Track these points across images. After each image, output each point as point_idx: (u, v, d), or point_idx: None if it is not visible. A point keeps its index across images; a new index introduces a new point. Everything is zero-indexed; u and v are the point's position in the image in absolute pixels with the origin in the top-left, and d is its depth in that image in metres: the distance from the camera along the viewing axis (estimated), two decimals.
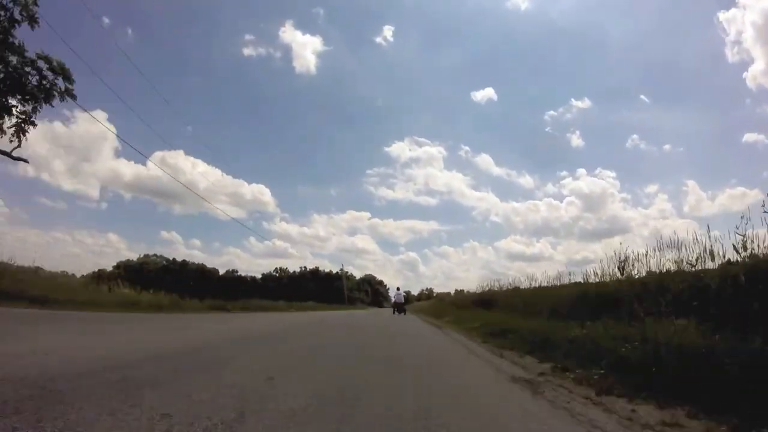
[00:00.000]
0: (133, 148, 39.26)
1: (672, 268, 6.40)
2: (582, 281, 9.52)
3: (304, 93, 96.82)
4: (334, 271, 68.50)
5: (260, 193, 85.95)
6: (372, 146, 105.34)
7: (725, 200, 74.18)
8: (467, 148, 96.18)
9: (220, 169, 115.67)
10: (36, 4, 10.05)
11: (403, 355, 6.17)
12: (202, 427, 2.22)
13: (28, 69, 10.26)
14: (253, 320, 12.87)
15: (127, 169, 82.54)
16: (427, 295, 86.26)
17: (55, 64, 10.47)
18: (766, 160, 71.95)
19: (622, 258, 7.75)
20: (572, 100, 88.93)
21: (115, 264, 78.49)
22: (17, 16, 9.92)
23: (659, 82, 78.94)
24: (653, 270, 6.91)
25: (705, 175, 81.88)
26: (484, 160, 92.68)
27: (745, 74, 72.98)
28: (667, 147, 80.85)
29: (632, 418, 3.04)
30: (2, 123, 10.26)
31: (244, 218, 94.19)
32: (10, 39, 9.93)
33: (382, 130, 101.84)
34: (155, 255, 77.35)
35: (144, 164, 68.96)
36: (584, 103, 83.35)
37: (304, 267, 72.60)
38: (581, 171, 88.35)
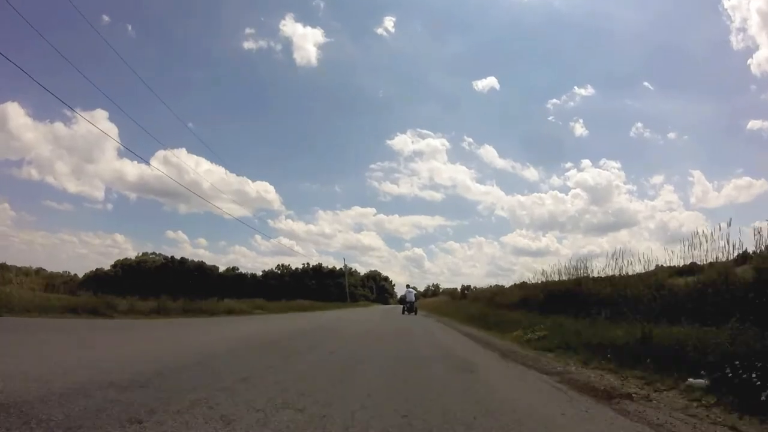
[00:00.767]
0: (133, 152, 36.78)
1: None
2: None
3: (305, 86, 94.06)
4: (338, 267, 66.24)
5: (265, 190, 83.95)
6: (374, 139, 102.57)
7: (731, 191, 73.21)
8: (470, 139, 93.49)
9: (224, 166, 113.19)
10: None
11: None
12: None
13: None
14: (156, 338, 7.59)
15: (131, 169, 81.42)
16: (433, 292, 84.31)
17: None
18: None
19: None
20: (575, 87, 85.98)
21: (113, 263, 76.98)
22: None
23: (663, 69, 77.08)
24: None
25: (710, 164, 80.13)
26: (488, 152, 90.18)
27: (749, 61, 72.80)
28: (671, 135, 78.78)
29: None
30: None
31: (249, 216, 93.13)
32: None
33: (385, 123, 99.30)
34: (153, 253, 75.31)
35: (147, 164, 67.68)
36: (587, 91, 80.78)
37: (307, 264, 70.33)
38: (586, 162, 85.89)
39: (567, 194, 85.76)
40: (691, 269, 8.40)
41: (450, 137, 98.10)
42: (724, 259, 7.47)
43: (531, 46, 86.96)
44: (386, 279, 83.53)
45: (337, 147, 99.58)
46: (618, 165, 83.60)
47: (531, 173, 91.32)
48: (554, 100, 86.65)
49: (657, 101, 76.03)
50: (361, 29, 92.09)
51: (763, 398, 3.49)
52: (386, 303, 74.99)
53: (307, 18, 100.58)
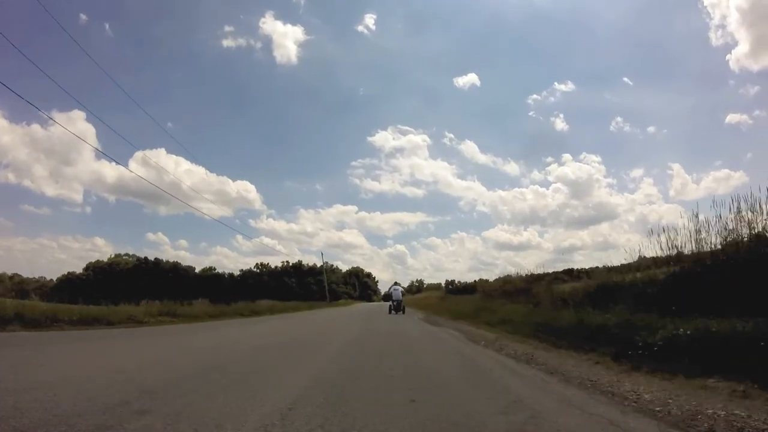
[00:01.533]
0: (110, 157, 34.38)
1: None
2: None
3: (285, 84, 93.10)
4: (319, 265, 64.55)
5: (245, 190, 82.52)
6: (355, 136, 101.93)
7: (710, 183, 75.13)
8: (451, 135, 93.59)
9: (204, 166, 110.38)
10: None
11: None
12: None
13: None
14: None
15: (110, 171, 79.29)
16: (417, 288, 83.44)
17: None
18: (748, 141, 72.81)
19: None
20: (555, 83, 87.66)
21: (85, 266, 73.92)
22: None
23: (642, 65, 78.95)
24: None
25: (689, 157, 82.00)
26: (469, 148, 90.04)
27: (728, 56, 76.78)
28: (651, 129, 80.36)
29: None
30: None
31: (230, 216, 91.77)
32: None
33: (365, 120, 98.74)
34: (126, 254, 72.49)
35: (126, 165, 65.91)
36: (568, 86, 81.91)
37: (287, 262, 68.44)
38: (566, 156, 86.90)
39: (548, 189, 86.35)
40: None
41: (431, 133, 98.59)
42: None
43: (511, 43, 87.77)
44: (369, 276, 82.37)
45: (318, 145, 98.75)
46: (598, 159, 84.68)
47: (512, 168, 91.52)
48: (535, 96, 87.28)
49: (637, 96, 77.17)
50: (341, 27, 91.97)
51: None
52: (369, 300, 73.74)
53: (288, 15, 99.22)
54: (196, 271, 66.25)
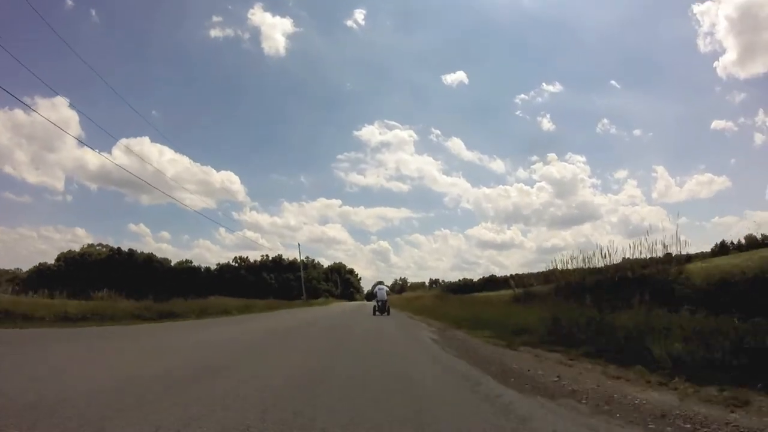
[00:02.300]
0: (90, 146, 32.20)
1: None
2: None
3: (273, 76, 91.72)
4: (299, 259, 62.89)
5: (229, 180, 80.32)
6: (342, 130, 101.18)
7: (693, 186, 76.12)
8: (438, 131, 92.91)
9: (188, 156, 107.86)
10: None
11: None
12: None
13: None
14: None
15: (93, 158, 76.75)
16: (401, 286, 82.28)
17: None
18: (733, 148, 73.65)
19: None
20: (543, 84, 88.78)
21: (57, 256, 71.28)
22: None
23: (630, 69, 79.82)
24: None
25: (674, 160, 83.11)
26: (456, 144, 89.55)
27: (716, 64, 78.12)
28: (637, 132, 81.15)
29: None
30: None
31: (213, 208, 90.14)
32: None
33: (352, 114, 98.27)
34: (100, 244, 69.95)
35: (109, 152, 63.64)
36: (555, 87, 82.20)
37: (266, 256, 66.60)
38: (552, 156, 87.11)
39: (532, 187, 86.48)
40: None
41: (418, 129, 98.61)
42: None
43: (501, 42, 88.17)
44: (351, 272, 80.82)
45: (303, 137, 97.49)
46: (583, 159, 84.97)
47: (498, 165, 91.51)
48: (522, 96, 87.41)
49: (624, 99, 77.71)
50: (330, 21, 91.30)
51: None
52: (351, 299, 72.14)
53: (277, 7, 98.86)
54: (172, 264, 64.11)
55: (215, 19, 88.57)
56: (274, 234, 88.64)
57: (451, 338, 9.96)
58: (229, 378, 4.84)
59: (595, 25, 74.24)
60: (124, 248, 65.31)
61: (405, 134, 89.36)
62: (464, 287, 37.49)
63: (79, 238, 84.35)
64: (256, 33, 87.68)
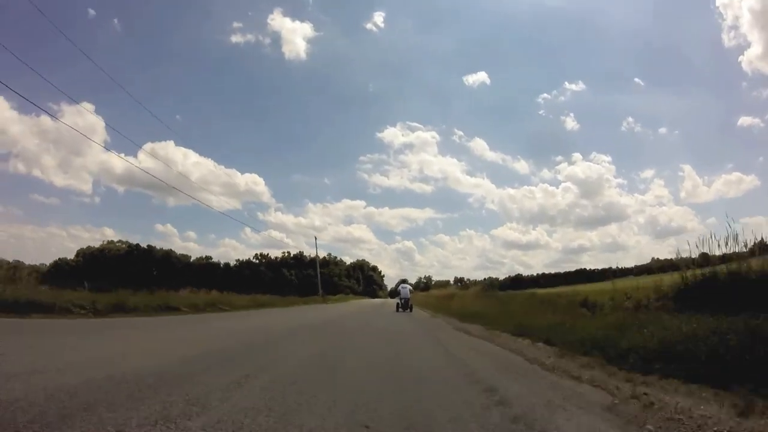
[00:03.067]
0: (115, 153, 30.18)
1: None
2: None
3: (294, 79, 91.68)
4: (323, 256, 60.07)
5: (254, 182, 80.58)
6: (364, 132, 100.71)
7: (721, 186, 70.44)
8: (461, 132, 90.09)
9: (212, 159, 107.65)
10: None
11: None
12: None
13: None
14: None
15: (118, 161, 77.00)
16: (425, 284, 78.84)
17: None
18: (761, 145, 67.68)
19: None
20: (566, 83, 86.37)
21: (76, 253, 70.58)
22: None
23: (654, 66, 75.67)
24: None
25: (701, 159, 77.79)
26: (479, 145, 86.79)
27: (741, 58, 74.32)
28: (662, 130, 76.12)
29: None
30: None
31: (238, 209, 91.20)
32: None
33: (374, 116, 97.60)
34: (119, 241, 68.71)
35: (135, 156, 64.41)
36: (578, 86, 78.40)
37: (288, 253, 64.02)
38: (577, 156, 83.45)
39: (557, 188, 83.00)
40: None
41: (440, 130, 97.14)
42: None
43: (522, 42, 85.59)
44: (375, 269, 77.78)
45: (326, 139, 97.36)
46: (608, 159, 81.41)
47: (522, 166, 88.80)
48: (545, 95, 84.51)
49: (648, 97, 73.48)
50: (350, 24, 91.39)
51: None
52: (374, 296, 68.77)
53: (296, 12, 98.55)
54: (191, 260, 62.22)
55: (236, 25, 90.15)
56: (300, 234, 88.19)
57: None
58: None
59: (616, 21, 71.11)
60: (135, 243, 63.93)
61: (428, 135, 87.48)
62: (514, 283, 33.82)
63: (107, 237, 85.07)
64: (276, 38, 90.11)
